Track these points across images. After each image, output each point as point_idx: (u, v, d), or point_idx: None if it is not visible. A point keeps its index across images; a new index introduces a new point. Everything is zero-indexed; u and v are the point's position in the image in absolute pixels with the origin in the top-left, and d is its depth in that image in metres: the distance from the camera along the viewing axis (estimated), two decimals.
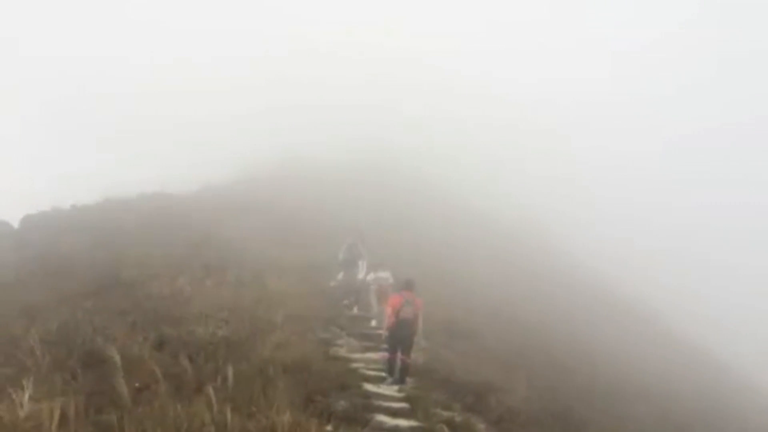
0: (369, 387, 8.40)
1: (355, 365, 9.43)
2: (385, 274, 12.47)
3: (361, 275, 13.21)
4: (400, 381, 8.82)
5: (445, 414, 7.73)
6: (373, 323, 12.08)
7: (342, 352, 10.16)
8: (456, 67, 69.22)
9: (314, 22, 75.94)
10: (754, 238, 60.16)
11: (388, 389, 8.54)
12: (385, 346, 9.33)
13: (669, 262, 47.60)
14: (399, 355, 8.96)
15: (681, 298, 39.92)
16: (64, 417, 5.81)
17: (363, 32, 72.30)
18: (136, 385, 6.84)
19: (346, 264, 13.69)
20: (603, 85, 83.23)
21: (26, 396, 6.04)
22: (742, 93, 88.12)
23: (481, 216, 36.03)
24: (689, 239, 55.31)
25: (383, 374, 9.15)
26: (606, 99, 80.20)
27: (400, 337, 8.97)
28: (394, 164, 42.02)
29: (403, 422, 7.30)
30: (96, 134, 55.38)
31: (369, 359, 9.89)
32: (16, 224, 20.23)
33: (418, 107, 56.60)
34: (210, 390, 6.19)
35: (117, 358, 7.05)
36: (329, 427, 6.35)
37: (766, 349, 37.32)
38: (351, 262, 13.59)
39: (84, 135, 56.48)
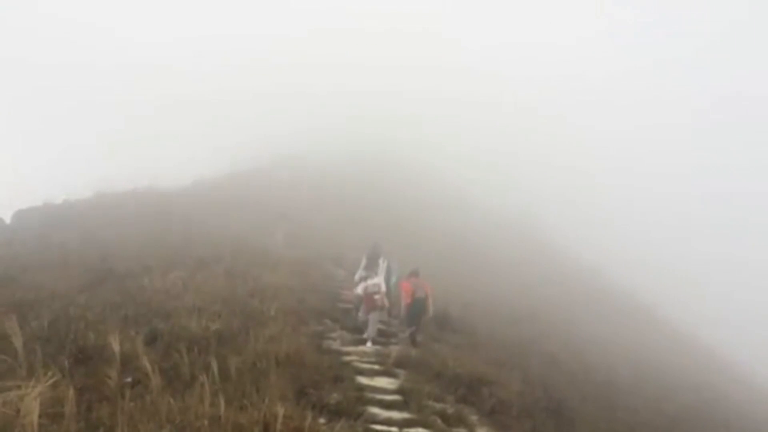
0: (362, 380, 8.41)
1: (348, 358, 9.44)
2: (376, 280, 11.73)
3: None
4: (413, 343, 10.91)
5: (438, 406, 7.76)
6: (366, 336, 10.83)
7: (335, 345, 10.17)
8: (452, 46, 69.01)
9: (311, 11, 75.64)
10: (754, 229, 59.85)
11: (382, 381, 8.56)
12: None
13: (667, 252, 47.53)
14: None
15: (678, 289, 39.96)
16: (56, 413, 5.80)
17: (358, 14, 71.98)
18: (129, 379, 6.83)
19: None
20: (601, 59, 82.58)
21: (18, 392, 6.03)
22: (746, 71, 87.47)
23: (475, 206, 36.08)
24: (688, 229, 55.14)
25: (376, 367, 9.20)
26: (603, 74, 79.71)
27: (416, 312, 11.24)
28: (389, 154, 41.96)
29: (395, 414, 7.32)
30: (89, 129, 55.12)
31: (362, 352, 9.92)
32: (7, 219, 20.12)
33: (410, 84, 56.17)
34: (202, 383, 6.19)
35: (109, 353, 7.04)
36: (322, 420, 6.35)
37: (763, 342, 37.42)
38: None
39: (77, 130, 56.18)
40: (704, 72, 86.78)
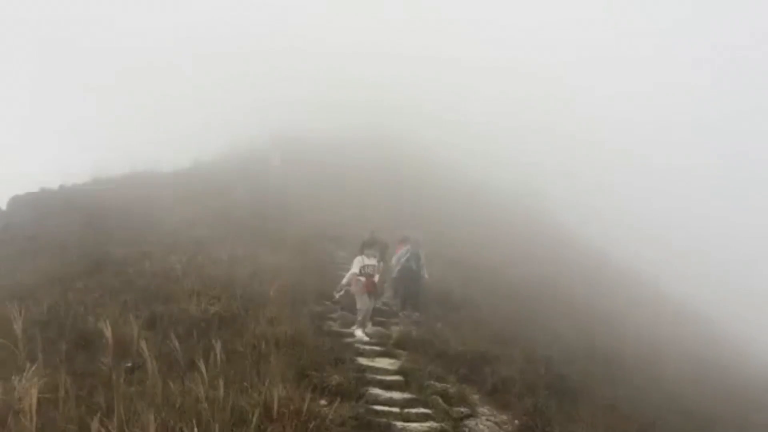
0: (363, 361, 8.40)
1: (349, 339, 9.42)
2: (371, 261, 10.62)
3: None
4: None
5: (439, 386, 7.74)
6: (358, 333, 9.87)
7: (336, 326, 10.15)
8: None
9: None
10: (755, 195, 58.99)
11: (383, 362, 8.54)
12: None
13: (669, 223, 46.91)
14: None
15: (680, 259, 39.62)
16: (56, 398, 5.77)
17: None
18: (128, 364, 6.80)
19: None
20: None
21: (18, 377, 6.00)
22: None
23: (476, 181, 35.93)
24: (690, 198, 54.35)
25: (377, 348, 9.18)
26: (604, 34, 78.35)
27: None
28: (390, 134, 41.66)
29: (397, 395, 7.32)
30: (86, 114, 54.75)
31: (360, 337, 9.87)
32: (3, 205, 20.04)
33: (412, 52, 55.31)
34: (202, 367, 6.15)
35: (108, 337, 7.00)
36: (323, 402, 6.34)
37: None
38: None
39: (71, 114, 55.83)
40: (709, 33, 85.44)
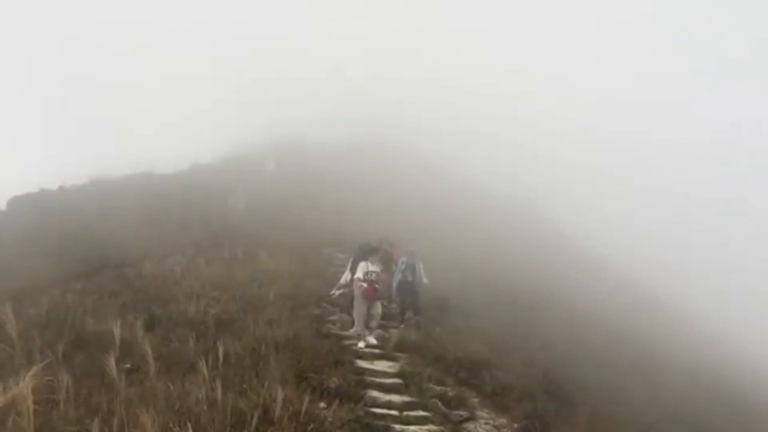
0: (362, 363, 8.39)
1: (348, 342, 9.41)
2: (375, 268, 10.16)
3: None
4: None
5: (438, 389, 7.73)
6: (360, 344, 9.45)
7: (335, 329, 10.13)
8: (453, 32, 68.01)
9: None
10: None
11: (382, 365, 8.53)
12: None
13: (669, 242, 46.67)
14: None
15: (682, 280, 39.49)
16: (55, 399, 5.76)
17: None
18: (127, 365, 6.79)
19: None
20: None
21: (18, 379, 5.99)
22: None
23: (476, 192, 35.92)
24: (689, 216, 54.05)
25: (376, 351, 9.19)
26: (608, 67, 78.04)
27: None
28: (390, 144, 41.66)
29: (396, 398, 7.30)
30: (83, 114, 54.75)
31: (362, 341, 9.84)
32: (3, 206, 20.03)
33: (410, 71, 55.15)
34: (201, 369, 6.15)
35: (107, 339, 6.99)
36: (322, 404, 6.33)
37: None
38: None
39: (71, 115, 55.84)
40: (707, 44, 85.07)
